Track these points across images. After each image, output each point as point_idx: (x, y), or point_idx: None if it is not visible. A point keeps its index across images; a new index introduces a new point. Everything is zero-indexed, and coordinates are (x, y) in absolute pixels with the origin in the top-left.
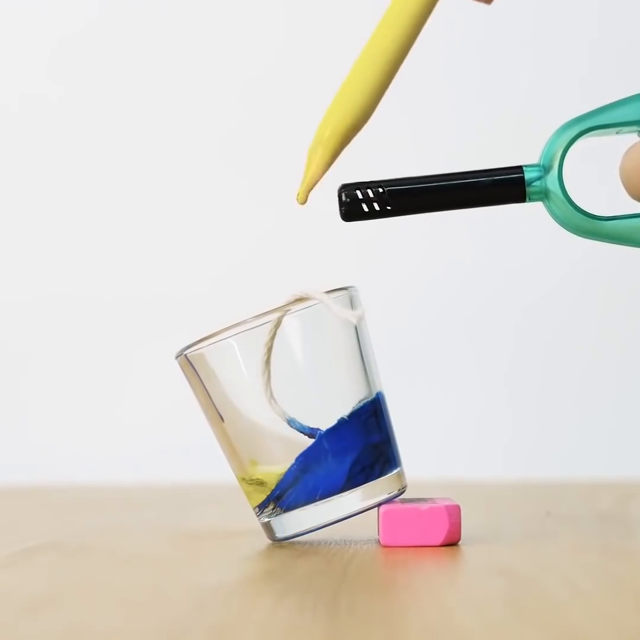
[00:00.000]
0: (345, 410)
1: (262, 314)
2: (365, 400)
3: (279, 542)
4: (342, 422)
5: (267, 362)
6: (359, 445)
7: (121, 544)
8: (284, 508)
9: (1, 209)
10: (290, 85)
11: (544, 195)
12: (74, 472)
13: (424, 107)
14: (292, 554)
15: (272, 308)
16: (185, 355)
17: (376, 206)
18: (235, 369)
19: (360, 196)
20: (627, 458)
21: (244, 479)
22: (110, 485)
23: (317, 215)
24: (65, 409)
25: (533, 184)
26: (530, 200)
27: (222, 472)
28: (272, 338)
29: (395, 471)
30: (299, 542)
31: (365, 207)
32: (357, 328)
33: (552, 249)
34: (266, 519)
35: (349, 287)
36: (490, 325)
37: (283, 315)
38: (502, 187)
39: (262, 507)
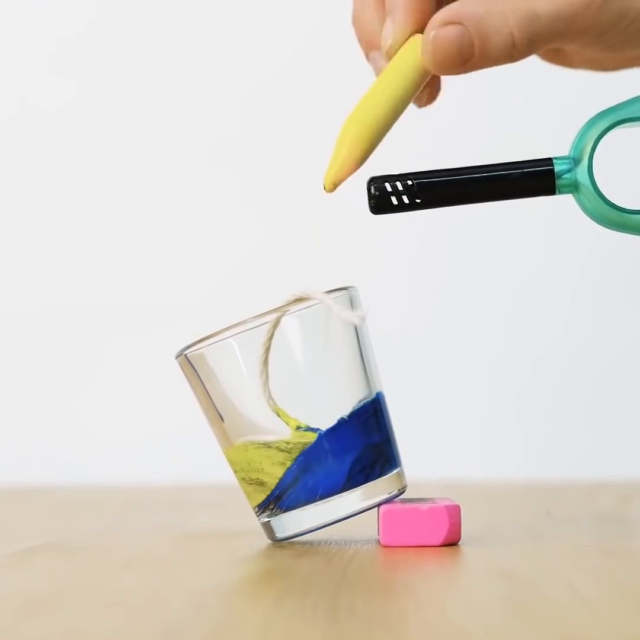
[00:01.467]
0: (345, 410)
1: (262, 314)
2: (365, 400)
3: (279, 542)
4: (342, 422)
5: (265, 362)
6: (359, 445)
7: (121, 546)
8: (283, 508)
9: None
10: (291, 85)
11: (573, 188)
12: (74, 473)
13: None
14: (292, 554)
15: (272, 308)
16: (185, 355)
17: (405, 199)
18: (235, 369)
19: (389, 189)
20: (627, 458)
21: (243, 479)
22: (110, 487)
23: (318, 216)
24: (66, 410)
25: (563, 176)
26: (560, 192)
27: (222, 473)
28: (270, 338)
29: (395, 471)
30: (299, 542)
31: (394, 200)
32: (357, 328)
33: (564, 249)
34: (266, 519)
35: (349, 287)
36: (492, 326)
37: (282, 316)
38: (532, 179)
39: (262, 507)
